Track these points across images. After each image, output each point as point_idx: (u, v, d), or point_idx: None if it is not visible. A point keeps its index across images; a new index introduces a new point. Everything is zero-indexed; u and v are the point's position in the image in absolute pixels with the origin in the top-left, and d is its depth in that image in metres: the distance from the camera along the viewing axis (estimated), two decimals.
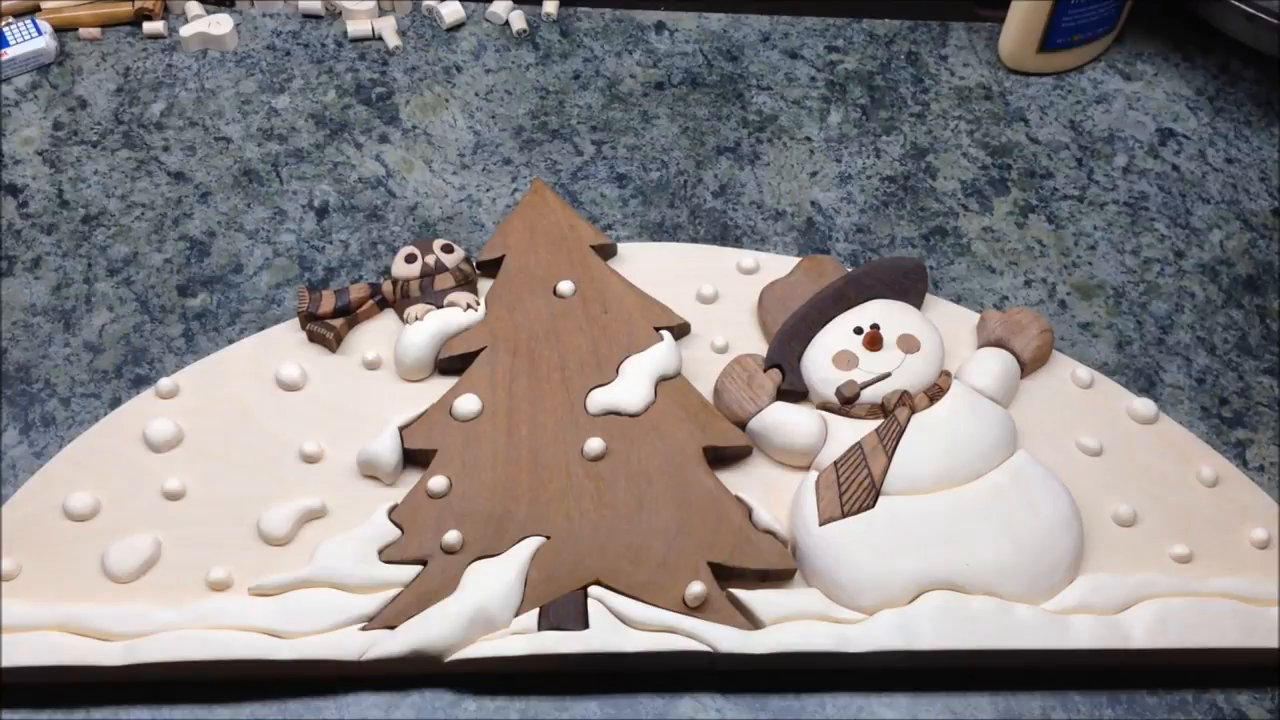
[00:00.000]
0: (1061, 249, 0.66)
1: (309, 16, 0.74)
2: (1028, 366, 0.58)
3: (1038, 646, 0.50)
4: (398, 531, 0.52)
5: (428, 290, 0.58)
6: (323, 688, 0.50)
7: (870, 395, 0.56)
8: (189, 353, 0.59)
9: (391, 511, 0.52)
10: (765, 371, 0.56)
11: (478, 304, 0.58)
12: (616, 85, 0.72)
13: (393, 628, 0.49)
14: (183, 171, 0.67)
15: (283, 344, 0.58)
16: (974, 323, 0.60)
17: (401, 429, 0.54)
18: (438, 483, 0.52)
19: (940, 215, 0.67)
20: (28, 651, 0.48)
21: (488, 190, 0.67)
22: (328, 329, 0.57)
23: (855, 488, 0.52)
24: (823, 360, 0.57)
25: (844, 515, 0.52)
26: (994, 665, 0.51)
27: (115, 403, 0.57)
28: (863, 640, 0.49)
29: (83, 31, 0.72)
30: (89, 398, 0.58)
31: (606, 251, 0.61)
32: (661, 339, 0.57)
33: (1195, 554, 0.54)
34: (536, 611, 0.50)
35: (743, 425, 0.55)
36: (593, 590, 0.50)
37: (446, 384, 0.56)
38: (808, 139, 0.70)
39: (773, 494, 0.54)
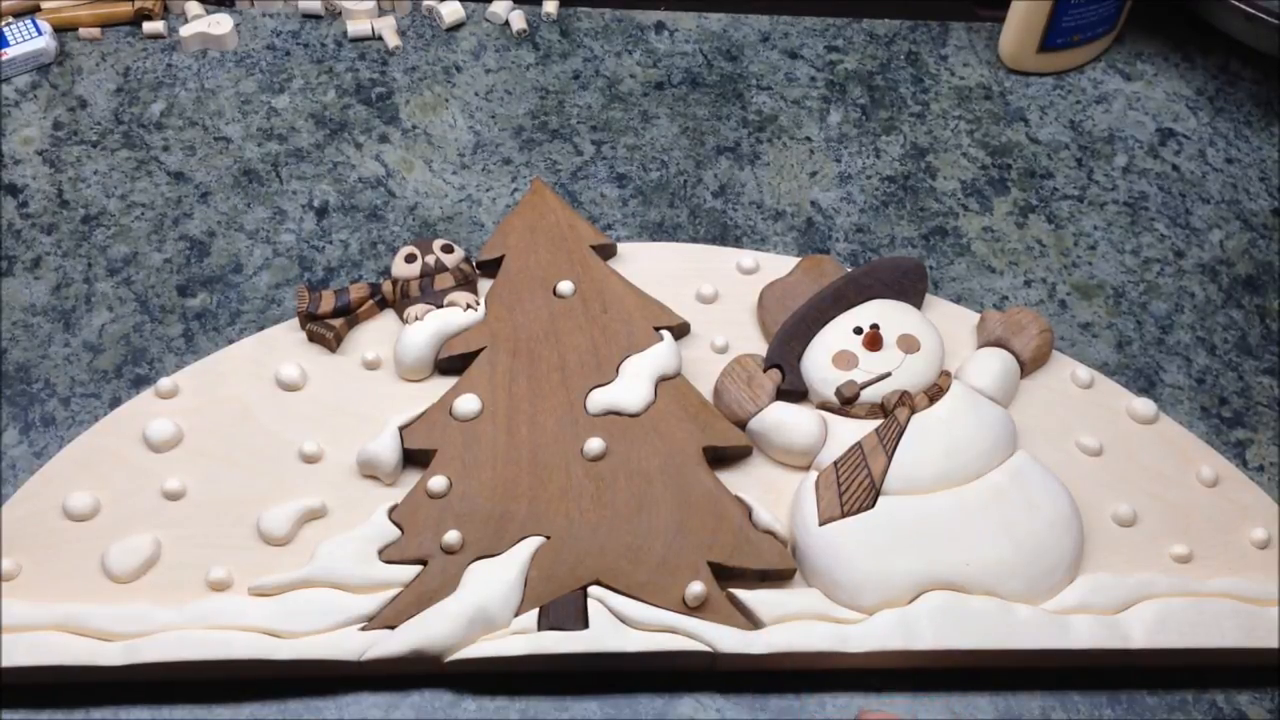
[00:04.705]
0: (1061, 249, 0.66)
1: (309, 16, 0.74)
2: (1028, 366, 0.58)
3: (1038, 646, 0.50)
4: (398, 531, 0.52)
5: (428, 290, 0.58)
6: (323, 688, 0.50)
7: (870, 395, 0.56)
8: (189, 353, 0.59)
9: (391, 511, 0.52)
10: (765, 371, 0.56)
11: (478, 304, 0.58)
12: (616, 85, 0.72)
13: (393, 628, 0.49)
14: (183, 171, 0.67)
15: (283, 344, 0.58)
16: (974, 323, 0.60)
17: (401, 429, 0.54)
18: (438, 483, 0.52)
19: (940, 215, 0.67)
20: (28, 651, 0.48)
21: (488, 190, 0.67)
22: (328, 329, 0.57)
23: (855, 488, 0.52)
24: (823, 360, 0.57)
25: (844, 515, 0.52)
26: (994, 665, 0.51)
27: (115, 403, 0.57)
28: (863, 640, 0.50)
29: (83, 31, 0.72)
30: (89, 398, 0.58)
31: (606, 251, 0.61)
32: (661, 339, 0.57)
33: (1195, 554, 0.54)
34: (536, 611, 0.50)
35: (743, 425, 0.55)
36: (592, 590, 0.50)
37: (446, 384, 0.56)
38: (808, 139, 0.70)
39: (773, 494, 0.54)
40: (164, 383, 0.56)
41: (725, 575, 0.51)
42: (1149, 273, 0.65)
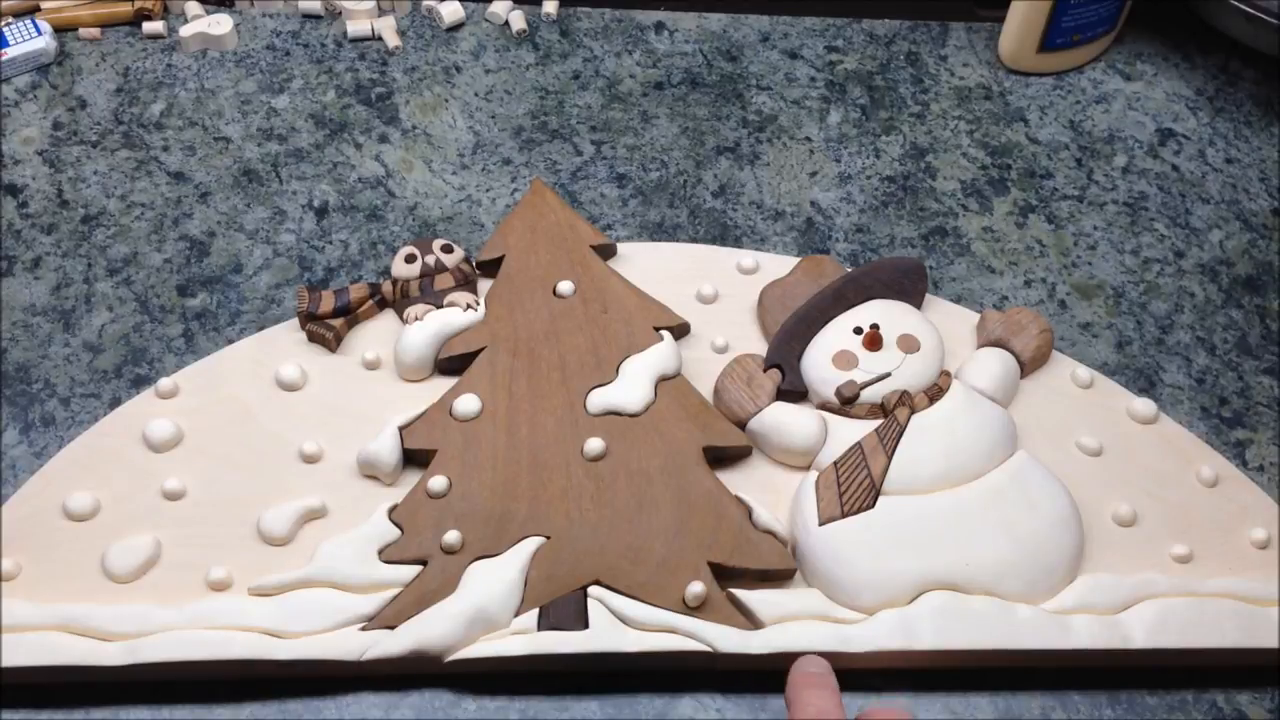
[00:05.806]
0: (1061, 249, 0.66)
1: (309, 16, 0.74)
2: (1028, 366, 0.58)
3: (1038, 646, 0.50)
4: (398, 531, 0.52)
5: (428, 290, 0.58)
6: (323, 688, 0.50)
7: (870, 395, 0.56)
8: (189, 353, 0.59)
9: (391, 511, 0.52)
10: (765, 371, 0.56)
11: (478, 304, 0.58)
12: (616, 85, 0.72)
13: (393, 628, 0.49)
14: (183, 171, 0.67)
15: (282, 344, 0.58)
16: (974, 323, 0.60)
17: (401, 429, 0.54)
18: (438, 483, 0.52)
19: (940, 215, 0.67)
20: (28, 651, 0.48)
21: (488, 190, 0.67)
22: (327, 329, 0.57)
23: (855, 488, 0.52)
24: (823, 360, 0.56)
25: (844, 515, 0.52)
26: (994, 665, 0.51)
27: (115, 403, 0.57)
28: (863, 640, 0.50)
29: (83, 31, 0.72)
30: (89, 398, 0.58)
31: (606, 251, 0.61)
32: (661, 339, 0.57)
33: (1195, 554, 0.53)
34: (536, 611, 0.50)
35: (743, 425, 0.55)
36: (592, 590, 0.50)
37: (446, 384, 0.56)
38: (807, 139, 0.70)
39: (773, 494, 0.54)
40: (164, 383, 0.56)
41: (725, 575, 0.51)
42: (1149, 273, 0.65)
